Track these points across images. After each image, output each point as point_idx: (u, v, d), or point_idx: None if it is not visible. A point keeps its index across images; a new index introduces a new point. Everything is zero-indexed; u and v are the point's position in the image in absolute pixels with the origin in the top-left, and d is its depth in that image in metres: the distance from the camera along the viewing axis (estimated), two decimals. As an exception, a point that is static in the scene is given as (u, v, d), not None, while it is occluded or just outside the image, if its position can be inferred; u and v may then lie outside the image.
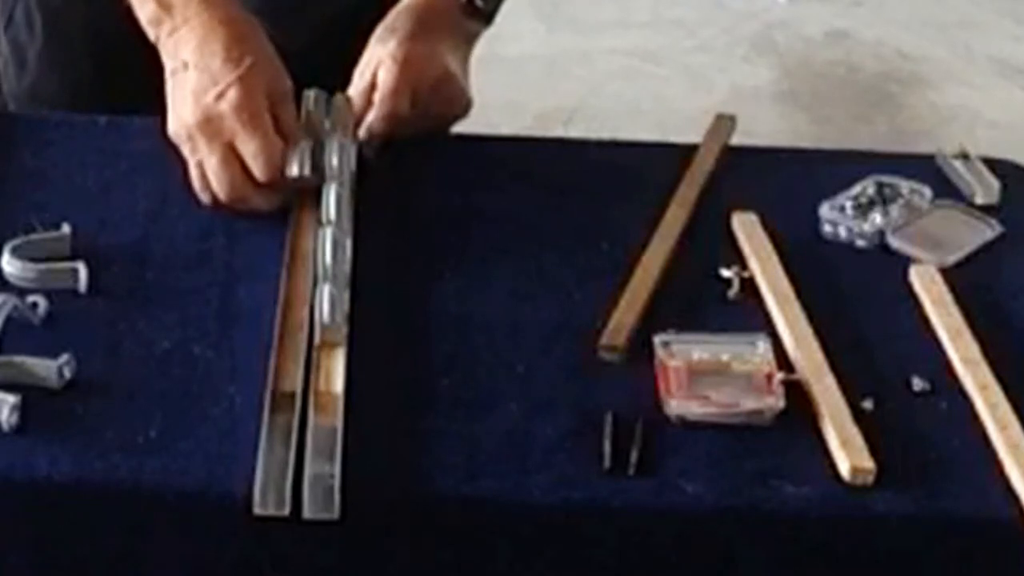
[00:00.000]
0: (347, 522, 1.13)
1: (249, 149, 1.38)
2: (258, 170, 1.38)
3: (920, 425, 1.23)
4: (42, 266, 1.32)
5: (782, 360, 1.27)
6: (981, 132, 3.46)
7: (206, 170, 1.40)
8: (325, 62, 1.58)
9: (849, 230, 1.44)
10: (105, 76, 1.67)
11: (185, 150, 1.41)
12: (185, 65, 1.41)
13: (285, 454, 1.15)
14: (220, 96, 1.38)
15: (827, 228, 1.44)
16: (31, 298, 1.29)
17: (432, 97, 1.52)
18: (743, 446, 1.20)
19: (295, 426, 1.18)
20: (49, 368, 1.21)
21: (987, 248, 1.43)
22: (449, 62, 1.54)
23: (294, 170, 1.40)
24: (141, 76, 1.47)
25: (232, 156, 1.38)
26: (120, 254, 1.36)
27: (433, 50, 1.53)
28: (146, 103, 1.49)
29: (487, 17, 1.59)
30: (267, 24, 1.47)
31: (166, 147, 1.44)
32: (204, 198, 1.41)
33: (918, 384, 1.27)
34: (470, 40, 1.60)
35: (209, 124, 1.38)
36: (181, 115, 1.40)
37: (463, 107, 1.56)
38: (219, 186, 1.39)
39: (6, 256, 1.32)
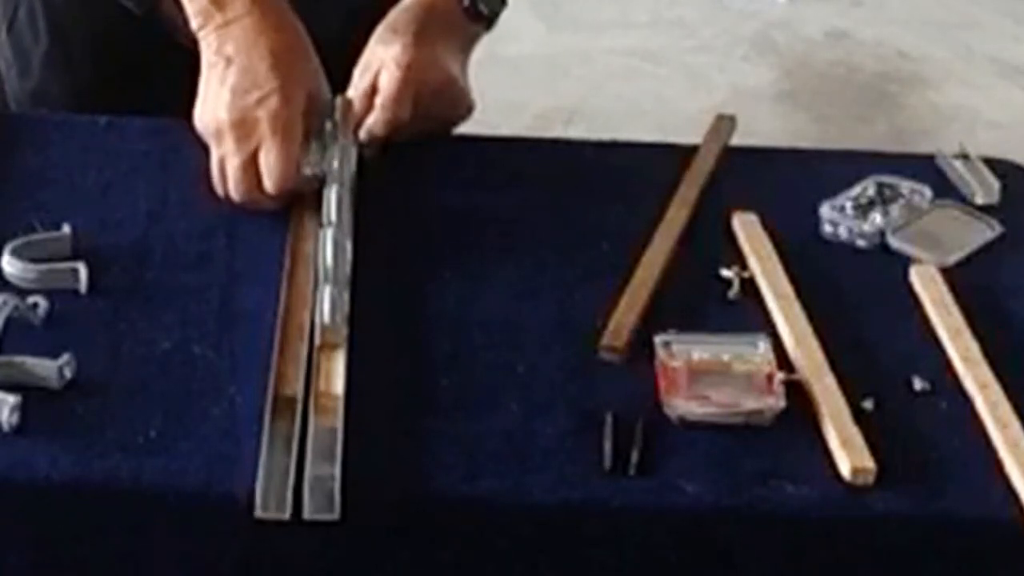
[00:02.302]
0: (347, 523, 1.13)
1: (269, 159, 1.38)
2: (270, 182, 1.39)
3: (920, 425, 1.23)
4: (42, 266, 1.32)
5: (782, 360, 1.27)
6: (981, 132, 3.46)
7: (227, 167, 1.40)
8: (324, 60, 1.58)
9: (849, 230, 1.44)
10: (108, 80, 1.67)
11: (211, 143, 1.42)
12: (229, 61, 1.41)
13: (286, 457, 1.15)
14: (260, 101, 1.39)
15: (827, 228, 1.44)
16: (31, 298, 1.29)
17: (434, 102, 1.52)
18: (743, 446, 1.20)
19: (296, 428, 1.18)
20: (49, 368, 1.21)
21: (987, 248, 1.43)
22: (451, 67, 1.54)
23: (307, 170, 1.41)
24: (145, 80, 1.46)
25: (254, 162, 1.39)
26: (120, 254, 1.36)
27: (436, 55, 1.53)
28: (150, 106, 1.49)
29: (488, 21, 1.59)
30: None
31: (166, 147, 1.44)
32: (219, 190, 1.42)
33: (918, 384, 1.27)
34: (471, 43, 1.60)
35: (242, 125, 1.39)
36: (216, 109, 1.40)
37: (465, 111, 1.56)
38: (235, 187, 1.40)
39: (7, 256, 1.32)
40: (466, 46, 1.59)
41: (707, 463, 1.19)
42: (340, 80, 1.53)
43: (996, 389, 1.25)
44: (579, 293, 1.35)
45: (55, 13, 1.68)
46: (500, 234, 1.42)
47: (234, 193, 1.40)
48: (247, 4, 1.42)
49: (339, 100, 1.51)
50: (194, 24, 1.45)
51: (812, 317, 1.31)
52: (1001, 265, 1.42)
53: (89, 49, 1.68)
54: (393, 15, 1.55)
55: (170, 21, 1.56)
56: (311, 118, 1.42)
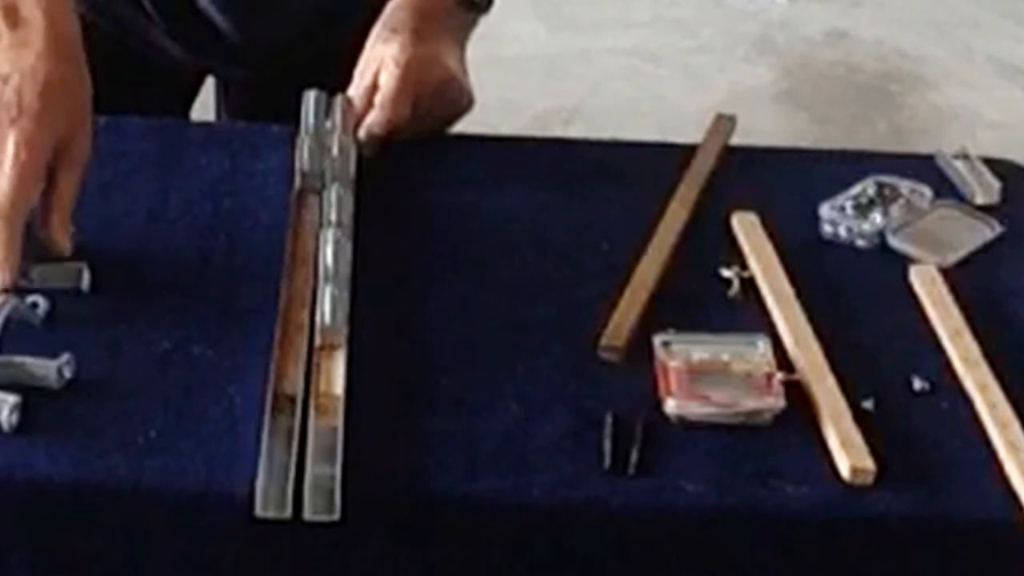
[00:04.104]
0: (348, 523, 1.13)
1: None
2: None
3: (920, 425, 1.23)
4: (43, 266, 1.31)
5: (782, 360, 1.27)
6: (981, 132, 3.46)
7: None
8: (311, 57, 1.58)
9: (849, 230, 1.44)
10: None
11: None
12: (4, 80, 1.32)
13: (286, 456, 1.15)
14: (12, 122, 1.29)
15: (827, 228, 1.44)
16: (31, 298, 1.29)
17: (434, 100, 1.52)
18: (743, 446, 1.20)
19: (296, 428, 1.18)
20: (49, 368, 1.21)
21: (987, 248, 1.43)
22: (451, 63, 1.54)
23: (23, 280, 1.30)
24: (101, 86, 1.44)
25: None
26: (120, 254, 1.36)
27: (436, 51, 1.53)
28: (104, 109, 1.49)
29: (485, 7, 1.59)
30: (243, 21, 1.46)
31: (166, 147, 1.44)
32: None
33: (918, 384, 1.27)
34: (468, 32, 1.60)
35: None
36: None
37: (465, 106, 1.56)
38: None
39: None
40: (463, 37, 1.59)
41: (707, 463, 1.19)
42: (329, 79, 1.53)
43: (996, 390, 1.25)
44: (579, 293, 1.35)
45: None
46: (500, 234, 1.42)
47: None
48: (37, 32, 1.33)
49: (339, 99, 1.51)
50: None
51: (812, 317, 1.31)
52: (1001, 265, 1.42)
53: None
54: (389, 13, 1.56)
55: (120, 23, 1.54)
56: (63, 170, 1.31)
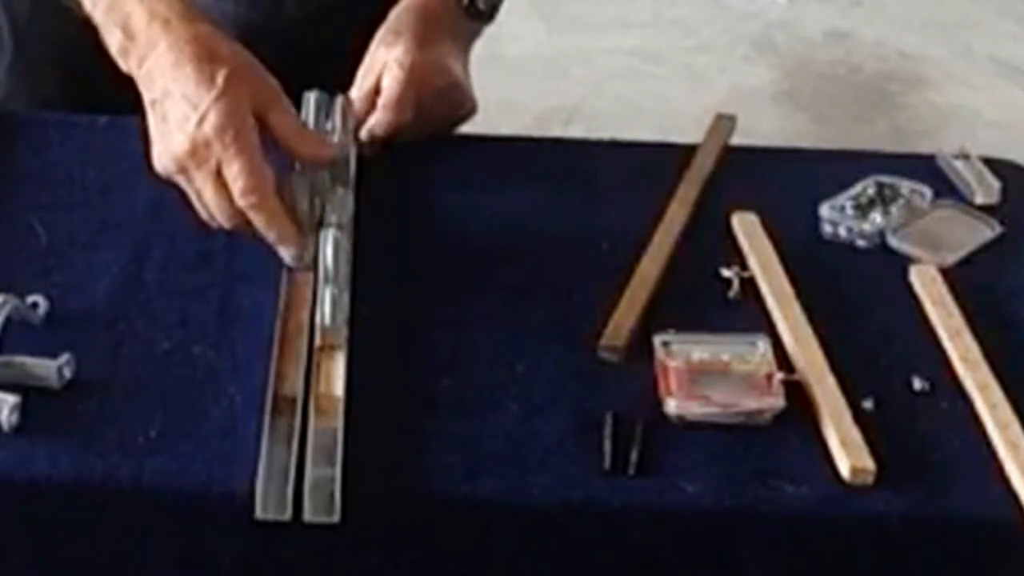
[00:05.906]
0: (347, 524, 1.13)
1: (231, 172, 1.31)
2: (238, 193, 1.31)
3: (920, 425, 1.23)
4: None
5: (782, 360, 1.27)
6: (981, 132, 3.46)
7: (204, 200, 1.34)
8: (311, 57, 1.58)
9: (849, 230, 1.44)
10: (73, 90, 1.66)
11: (181, 182, 1.35)
12: (165, 94, 1.34)
13: (286, 457, 1.15)
14: (202, 120, 1.31)
15: (827, 228, 1.44)
16: (31, 298, 1.29)
17: (437, 104, 1.52)
18: (743, 446, 1.20)
19: (296, 429, 1.18)
20: (49, 368, 1.21)
21: (987, 248, 1.43)
22: (454, 68, 1.54)
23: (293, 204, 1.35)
24: (109, 90, 1.44)
25: (224, 183, 1.32)
26: (120, 254, 1.36)
27: (439, 56, 1.53)
28: (102, 106, 1.48)
29: (488, 16, 1.59)
30: (243, 21, 1.46)
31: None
32: (213, 225, 1.36)
33: (918, 384, 1.27)
34: (471, 40, 1.61)
35: (196, 152, 1.31)
36: (170, 147, 1.33)
37: (468, 111, 1.56)
38: (221, 216, 1.34)
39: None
40: (467, 44, 1.59)
41: (707, 463, 1.19)
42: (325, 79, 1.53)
43: (996, 390, 1.25)
44: (579, 293, 1.35)
45: (18, 25, 1.68)
46: (500, 234, 1.42)
47: (225, 222, 1.34)
48: (157, 29, 1.35)
49: (339, 99, 1.51)
50: (123, 68, 1.39)
51: (812, 317, 1.31)
52: (1001, 265, 1.42)
53: (53, 60, 1.67)
54: (393, 17, 1.56)
55: None
56: (273, 115, 1.35)
